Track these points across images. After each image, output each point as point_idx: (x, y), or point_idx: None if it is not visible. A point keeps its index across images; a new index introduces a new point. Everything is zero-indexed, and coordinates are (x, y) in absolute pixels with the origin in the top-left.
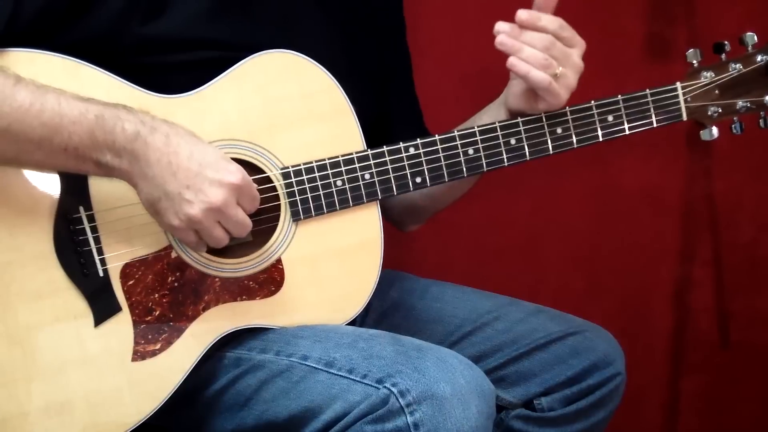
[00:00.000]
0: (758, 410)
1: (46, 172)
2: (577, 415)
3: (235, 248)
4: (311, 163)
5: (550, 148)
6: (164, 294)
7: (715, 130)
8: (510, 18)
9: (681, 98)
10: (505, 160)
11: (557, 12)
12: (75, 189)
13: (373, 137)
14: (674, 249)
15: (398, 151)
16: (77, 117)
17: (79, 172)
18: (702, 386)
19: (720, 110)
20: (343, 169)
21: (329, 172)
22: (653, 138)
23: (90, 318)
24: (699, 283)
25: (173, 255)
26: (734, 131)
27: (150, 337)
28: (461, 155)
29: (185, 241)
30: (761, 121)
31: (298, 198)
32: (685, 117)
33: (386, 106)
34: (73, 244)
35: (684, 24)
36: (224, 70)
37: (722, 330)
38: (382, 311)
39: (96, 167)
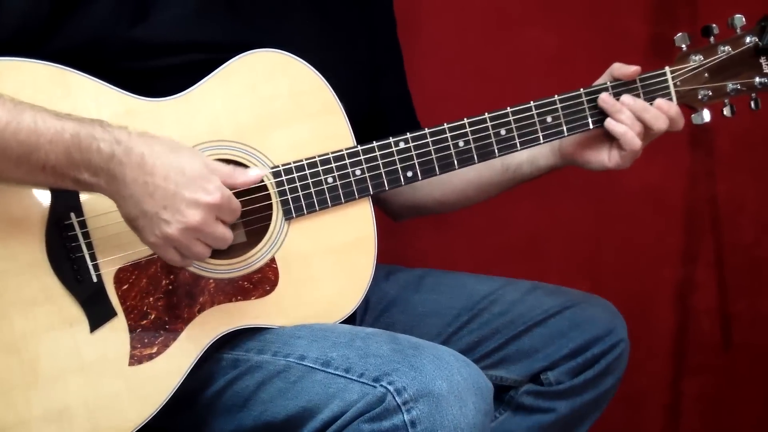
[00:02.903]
0: (760, 411)
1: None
2: (585, 385)
3: (229, 249)
4: (301, 161)
5: (541, 137)
6: (159, 297)
7: (706, 113)
8: (510, 17)
9: (670, 82)
10: (496, 151)
11: (562, 13)
12: (66, 195)
13: (366, 134)
14: (676, 250)
15: (388, 145)
16: (53, 136)
17: (61, 188)
18: (704, 387)
19: (710, 93)
20: (333, 165)
21: (320, 169)
22: (655, 139)
23: (85, 324)
24: (701, 284)
25: None
26: (726, 114)
27: (146, 341)
28: (452, 148)
29: (167, 259)
30: (752, 103)
31: (289, 197)
32: (675, 101)
33: (378, 103)
34: (66, 251)
35: (686, 25)
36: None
37: (724, 331)
38: (381, 308)
39: (75, 184)
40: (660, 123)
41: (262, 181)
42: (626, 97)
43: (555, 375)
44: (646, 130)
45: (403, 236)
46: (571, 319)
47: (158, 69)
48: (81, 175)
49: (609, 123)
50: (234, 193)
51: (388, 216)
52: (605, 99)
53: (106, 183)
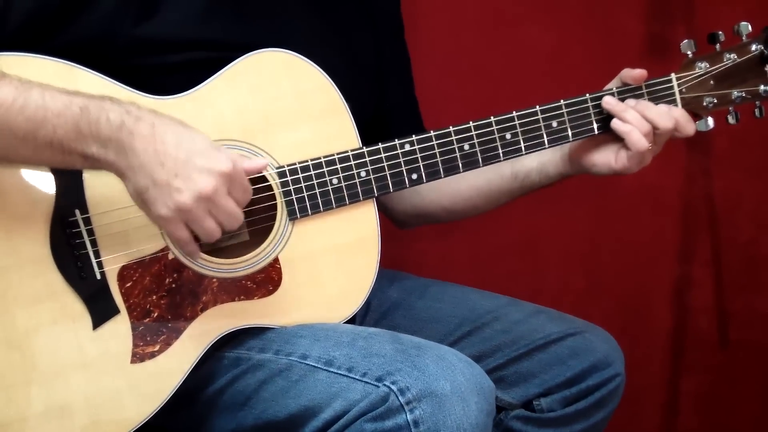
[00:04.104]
0: (757, 409)
1: (35, 169)
2: (576, 415)
3: (232, 249)
4: (307, 161)
5: (546, 142)
6: (162, 295)
7: (710, 121)
8: (507, 16)
9: (676, 89)
10: (501, 155)
11: (559, 11)
12: (71, 192)
13: (371, 136)
14: (673, 248)
15: (394, 147)
16: (61, 109)
17: (68, 167)
18: (701, 386)
19: (715, 100)
20: (338, 167)
21: (325, 170)
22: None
23: (88, 321)
24: (698, 282)
25: (170, 256)
26: (730, 121)
27: (148, 338)
28: (457, 151)
29: (176, 236)
30: (756, 111)
31: (294, 197)
32: (680, 107)
33: (384, 105)
34: (70, 248)
35: (683, 23)
36: (218, 71)
37: (721, 329)
38: (382, 311)
39: (83, 160)
40: (665, 120)
41: (266, 180)
42: (630, 100)
43: (548, 402)
44: (653, 131)
45: (403, 236)
46: (572, 348)
47: (163, 66)
48: (89, 149)
49: (615, 123)
50: None
51: (394, 224)
52: (609, 101)
53: (115, 154)
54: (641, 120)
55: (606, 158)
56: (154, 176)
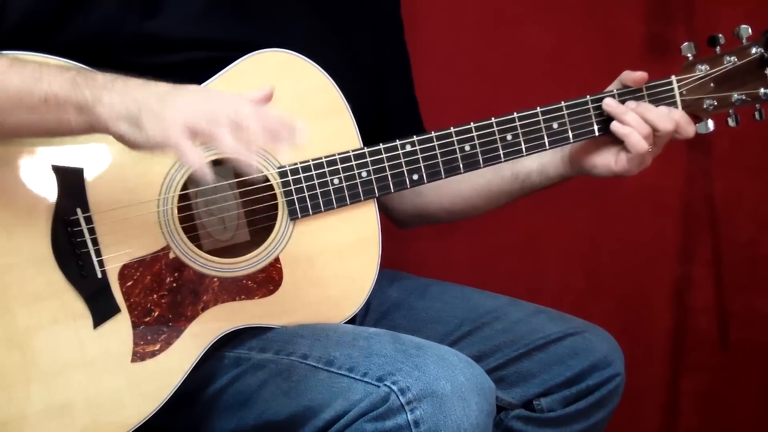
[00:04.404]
0: (758, 410)
1: (37, 167)
2: (576, 415)
3: (233, 248)
4: (308, 161)
5: (547, 143)
6: (163, 295)
7: (710, 123)
8: (506, 16)
9: (676, 91)
10: (502, 155)
11: (559, 12)
12: (72, 191)
13: (371, 136)
14: (674, 249)
15: (395, 148)
16: (57, 69)
17: (59, 129)
18: (701, 386)
19: (715, 103)
20: (339, 167)
21: (326, 170)
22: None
23: (89, 319)
24: (699, 282)
25: (171, 255)
26: (730, 124)
27: (149, 338)
28: (458, 152)
29: (185, 153)
30: (756, 114)
31: (295, 197)
32: (680, 109)
33: (384, 106)
34: (71, 246)
35: (683, 23)
36: (219, 71)
37: (722, 329)
38: (382, 311)
39: (76, 113)
40: (665, 123)
41: (268, 180)
42: (630, 102)
43: (548, 402)
44: (653, 133)
45: (403, 236)
46: (572, 347)
47: (164, 65)
48: (83, 96)
49: (614, 125)
50: (240, 193)
51: (395, 224)
52: (609, 103)
53: (109, 95)
54: (641, 122)
55: (606, 160)
56: (150, 93)
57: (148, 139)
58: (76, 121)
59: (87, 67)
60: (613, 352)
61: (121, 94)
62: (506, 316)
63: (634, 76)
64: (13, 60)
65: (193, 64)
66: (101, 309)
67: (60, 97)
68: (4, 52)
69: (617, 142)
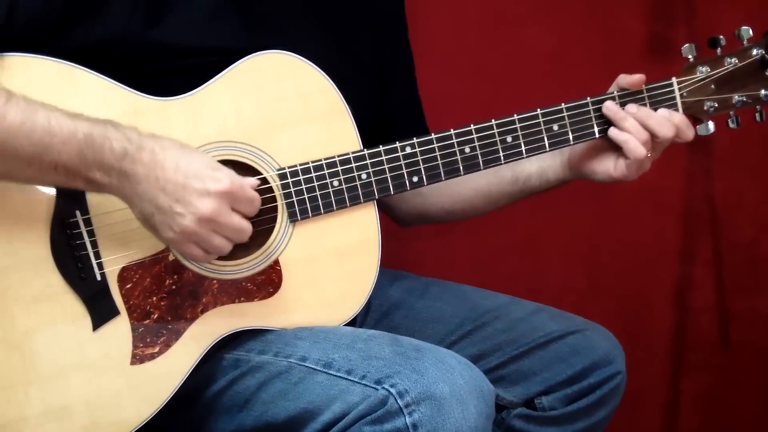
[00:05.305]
0: (758, 410)
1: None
2: (578, 413)
3: (233, 250)
4: (307, 163)
5: (547, 145)
6: (162, 297)
7: (711, 125)
8: (507, 16)
9: (677, 93)
10: (502, 158)
11: (560, 12)
12: (71, 193)
13: (374, 137)
14: (674, 249)
15: (395, 150)
16: (66, 137)
17: (72, 188)
18: (702, 386)
19: (716, 105)
20: (339, 169)
21: (326, 172)
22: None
23: (88, 322)
24: (699, 283)
25: (170, 258)
26: (730, 126)
27: (148, 340)
28: (458, 154)
29: (190, 255)
30: (757, 115)
31: (294, 199)
32: (681, 112)
33: (387, 106)
34: (70, 249)
35: (684, 24)
36: None
37: (722, 330)
38: (383, 311)
39: (87, 184)
40: (665, 130)
41: (267, 182)
42: (631, 106)
43: (549, 401)
44: (653, 139)
45: (403, 235)
46: (572, 346)
47: (170, 69)
48: (93, 175)
49: (612, 131)
50: None
51: (395, 222)
52: (609, 107)
53: (119, 182)
54: (639, 128)
55: (605, 166)
56: (157, 202)
57: (159, 238)
58: (87, 188)
59: (91, 123)
60: (614, 351)
61: (132, 186)
62: (507, 315)
63: (630, 80)
64: (23, 116)
65: (199, 67)
66: (100, 311)
67: (69, 170)
68: (7, 54)
69: (616, 147)
